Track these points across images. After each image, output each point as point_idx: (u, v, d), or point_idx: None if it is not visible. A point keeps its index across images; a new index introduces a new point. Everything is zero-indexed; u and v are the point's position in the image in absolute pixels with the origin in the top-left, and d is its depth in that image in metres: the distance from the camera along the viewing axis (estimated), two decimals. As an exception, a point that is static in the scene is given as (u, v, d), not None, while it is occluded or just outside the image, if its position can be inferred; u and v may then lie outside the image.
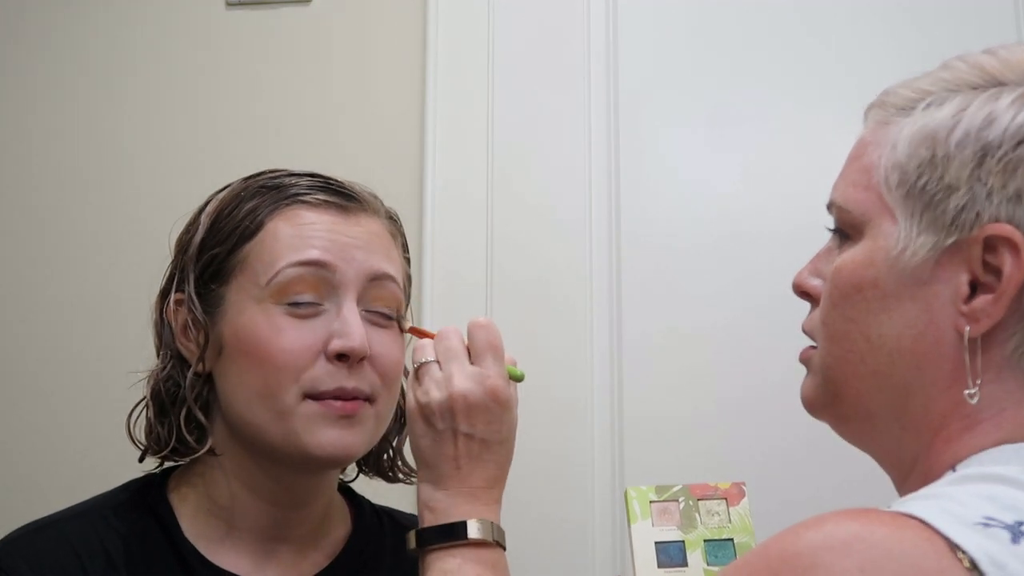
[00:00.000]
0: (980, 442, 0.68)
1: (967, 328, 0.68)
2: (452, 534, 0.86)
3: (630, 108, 1.65)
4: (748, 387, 1.54)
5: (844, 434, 0.78)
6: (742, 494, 0.93)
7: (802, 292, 0.80)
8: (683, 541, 0.90)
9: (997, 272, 0.67)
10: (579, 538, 1.52)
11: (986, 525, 0.59)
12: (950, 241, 0.68)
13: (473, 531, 0.85)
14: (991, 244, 0.67)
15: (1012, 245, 0.66)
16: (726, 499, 0.93)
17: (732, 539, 0.91)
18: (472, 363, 0.89)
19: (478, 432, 0.87)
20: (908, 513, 0.60)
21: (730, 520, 0.92)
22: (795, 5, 1.65)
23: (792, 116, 1.62)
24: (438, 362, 0.89)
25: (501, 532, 0.88)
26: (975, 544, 0.57)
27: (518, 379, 0.92)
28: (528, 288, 1.60)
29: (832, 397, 0.76)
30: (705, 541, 0.90)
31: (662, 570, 0.88)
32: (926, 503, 0.62)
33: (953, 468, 0.68)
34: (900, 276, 0.70)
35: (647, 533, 0.90)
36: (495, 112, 1.65)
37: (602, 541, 1.51)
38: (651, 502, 0.92)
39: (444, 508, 0.87)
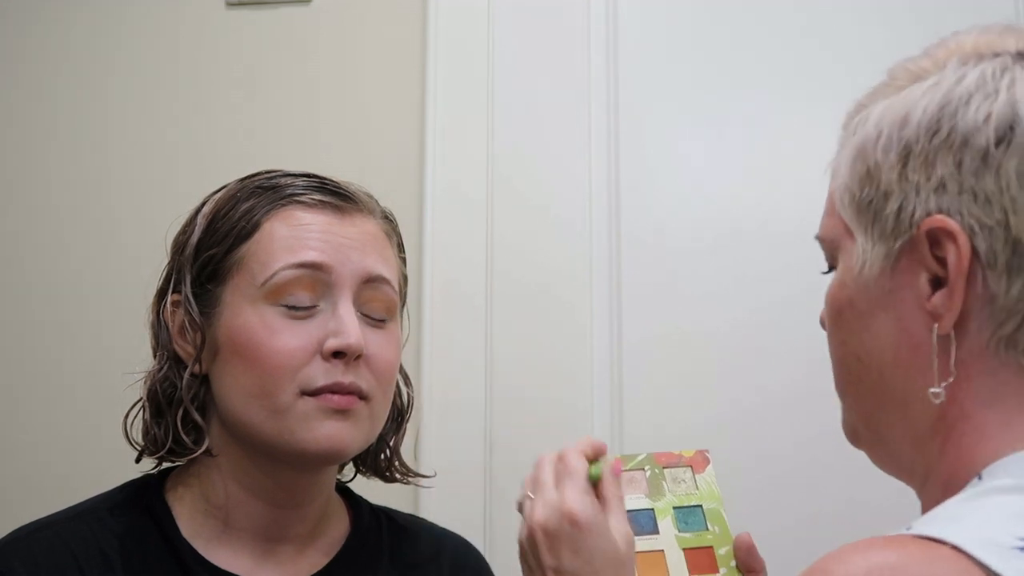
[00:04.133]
0: (995, 444, 0.66)
1: (934, 326, 0.67)
2: None
3: (630, 109, 1.64)
4: (751, 390, 1.53)
5: (876, 463, 0.77)
6: (707, 461, 0.93)
7: (823, 325, 0.80)
8: (653, 509, 0.89)
9: (946, 264, 0.67)
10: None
11: (1023, 548, 0.57)
12: (898, 245, 0.69)
13: None
14: (934, 238, 0.67)
15: (949, 234, 0.66)
16: (691, 467, 0.92)
17: (700, 505, 0.90)
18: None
19: (565, 565, 0.79)
20: (942, 539, 0.58)
21: (697, 487, 0.91)
22: (796, 5, 1.64)
23: (793, 116, 1.61)
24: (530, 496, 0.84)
25: None
26: (1014, 570, 0.56)
27: (592, 476, 0.84)
28: (528, 291, 1.59)
29: (854, 426, 0.77)
30: (674, 508, 0.89)
31: (635, 539, 0.86)
32: (956, 527, 0.59)
33: (979, 476, 0.66)
34: (867, 291, 0.71)
35: None
36: (495, 113, 1.65)
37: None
38: None
39: None
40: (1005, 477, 0.64)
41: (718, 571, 0.88)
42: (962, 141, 0.67)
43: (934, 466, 0.70)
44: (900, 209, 0.68)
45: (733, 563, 0.89)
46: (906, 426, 0.71)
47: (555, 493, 0.81)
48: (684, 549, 0.87)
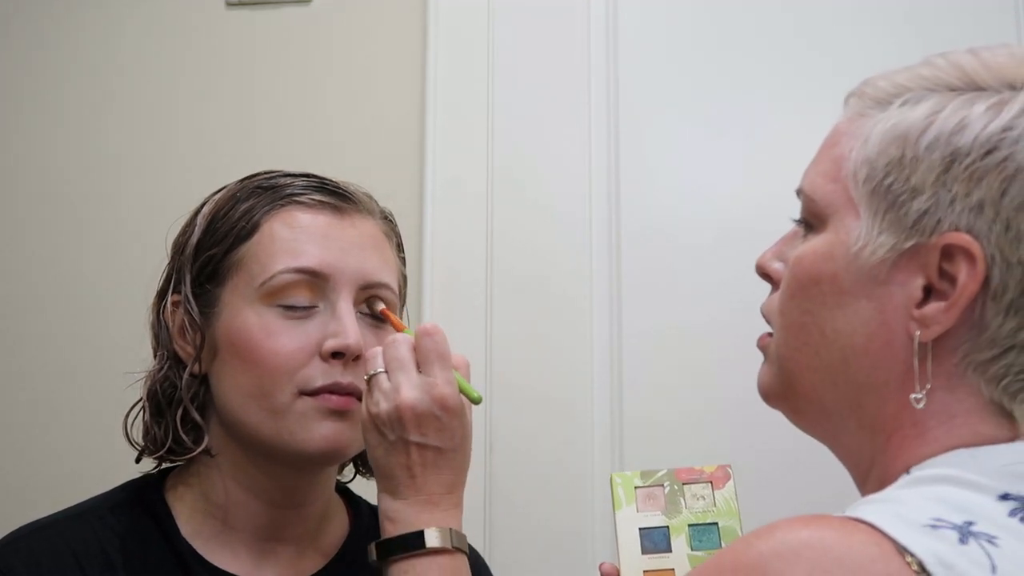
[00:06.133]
0: (932, 448, 0.68)
1: (917, 332, 0.68)
2: (411, 544, 0.86)
3: (630, 105, 1.64)
4: (749, 385, 1.52)
5: (802, 426, 0.78)
6: (727, 477, 0.92)
7: (764, 274, 0.80)
8: (667, 527, 0.89)
9: (952, 280, 0.67)
10: (578, 538, 1.51)
11: (934, 526, 0.60)
12: (909, 244, 0.68)
13: (432, 539, 0.85)
14: (949, 252, 0.67)
15: (969, 256, 0.66)
16: (711, 482, 0.92)
17: (717, 523, 0.90)
18: (420, 371, 0.88)
19: (430, 440, 0.87)
20: (858, 518, 0.61)
21: (715, 504, 0.91)
22: (795, 6, 1.65)
23: (792, 114, 1.61)
24: (387, 372, 0.89)
25: (461, 537, 0.87)
26: (922, 546, 0.58)
27: (474, 401, 0.90)
28: (528, 285, 1.60)
29: (787, 388, 0.77)
30: (689, 526, 0.89)
31: (646, 556, 0.87)
32: (877, 507, 0.62)
33: (907, 471, 0.68)
34: (857, 273, 0.70)
35: (631, 519, 0.90)
36: (495, 110, 1.65)
37: (602, 540, 1.51)
38: (636, 488, 0.91)
39: (403, 518, 0.87)
40: (930, 469, 0.67)
41: None
42: (1014, 171, 0.66)
43: (878, 459, 0.72)
44: (926, 212, 0.68)
45: None
46: (856, 408, 0.72)
47: (420, 376, 0.88)
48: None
